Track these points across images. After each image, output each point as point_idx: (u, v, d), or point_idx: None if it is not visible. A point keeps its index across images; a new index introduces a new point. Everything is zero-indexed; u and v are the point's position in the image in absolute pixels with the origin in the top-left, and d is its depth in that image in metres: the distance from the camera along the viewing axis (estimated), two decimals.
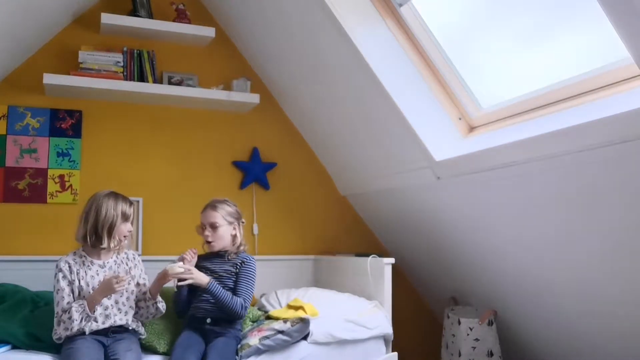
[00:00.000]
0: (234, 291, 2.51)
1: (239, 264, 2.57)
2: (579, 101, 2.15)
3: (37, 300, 2.60)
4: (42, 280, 2.66)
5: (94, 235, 2.35)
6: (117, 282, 2.23)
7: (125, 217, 2.40)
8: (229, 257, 2.59)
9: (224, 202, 2.64)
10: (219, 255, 2.60)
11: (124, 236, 2.42)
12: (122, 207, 2.41)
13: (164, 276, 2.42)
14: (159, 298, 2.49)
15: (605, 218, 2.10)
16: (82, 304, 2.25)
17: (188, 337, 2.41)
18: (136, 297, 2.44)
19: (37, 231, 3.05)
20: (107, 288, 2.24)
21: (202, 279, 2.44)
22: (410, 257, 3.53)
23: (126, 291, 2.40)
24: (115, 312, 2.35)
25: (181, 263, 2.46)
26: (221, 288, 2.46)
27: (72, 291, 2.31)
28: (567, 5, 2.19)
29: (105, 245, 2.35)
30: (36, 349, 2.30)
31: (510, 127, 2.45)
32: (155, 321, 2.55)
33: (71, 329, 2.23)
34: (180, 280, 2.43)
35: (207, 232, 2.56)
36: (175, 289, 2.52)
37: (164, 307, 2.52)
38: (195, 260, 2.52)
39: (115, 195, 2.42)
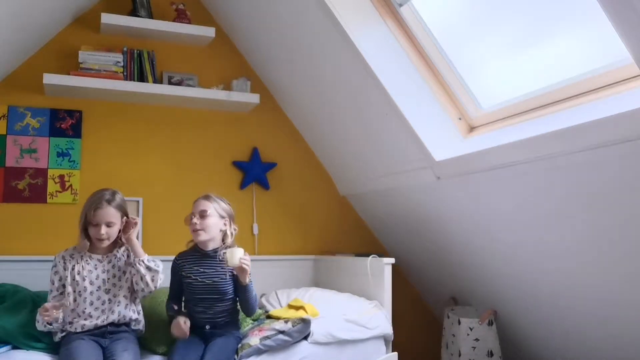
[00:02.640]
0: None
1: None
2: (579, 101, 2.15)
3: (37, 300, 2.59)
4: (42, 280, 2.64)
5: (80, 233, 2.39)
6: (44, 312, 2.19)
7: (88, 221, 2.34)
8: (221, 258, 2.46)
9: (219, 197, 2.57)
10: (209, 255, 2.49)
11: (96, 239, 2.35)
12: (87, 210, 2.35)
13: (126, 226, 2.38)
14: (146, 256, 2.39)
15: (605, 218, 2.10)
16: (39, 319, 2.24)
17: (186, 342, 2.36)
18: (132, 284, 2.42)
19: (37, 231, 3.05)
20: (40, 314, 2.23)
21: (247, 277, 2.39)
22: (410, 257, 3.53)
23: (126, 282, 2.41)
24: (113, 307, 2.35)
25: (242, 250, 2.36)
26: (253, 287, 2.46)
27: (64, 286, 2.34)
28: (567, 5, 2.19)
29: (82, 244, 2.36)
30: (36, 349, 2.30)
31: (510, 127, 2.45)
32: (155, 322, 2.54)
33: (42, 327, 2.27)
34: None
35: (195, 220, 2.45)
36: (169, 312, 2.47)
37: (157, 264, 2.40)
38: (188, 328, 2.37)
39: (92, 197, 2.39)
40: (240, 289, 2.44)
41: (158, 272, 2.40)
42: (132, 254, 2.40)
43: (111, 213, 2.35)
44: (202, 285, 2.45)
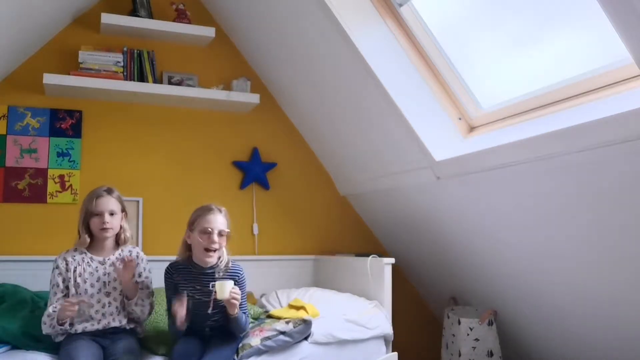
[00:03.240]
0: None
1: (235, 282, 2.33)
2: (579, 101, 2.15)
3: (37, 300, 2.60)
4: (42, 280, 2.65)
5: (79, 232, 2.37)
6: (69, 306, 2.18)
7: (89, 213, 2.34)
8: (218, 275, 2.35)
9: (225, 210, 2.43)
10: (206, 273, 2.37)
11: (99, 229, 2.34)
12: (87, 203, 2.36)
13: (124, 268, 2.30)
14: (138, 300, 2.35)
15: (605, 218, 2.10)
16: (52, 316, 2.20)
17: (187, 342, 2.34)
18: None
19: (37, 231, 3.05)
20: (62, 310, 2.20)
21: (235, 309, 2.27)
22: (410, 257, 3.53)
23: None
24: (113, 310, 2.34)
25: (232, 282, 2.24)
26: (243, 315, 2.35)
27: (67, 288, 2.32)
28: (567, 5, 2.19)
29: (82, 240, 2.35)
30: (36, 349, 2.29)
31: (510, 127, 2.45)
32: (155, 322, 2.54)
33: (50, 330, 2.23)
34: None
35: (216, 238, 2.29)
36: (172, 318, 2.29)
37: (144, 310, 2.37)
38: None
39: (90, 192, 2.39)
40: (229, 319, 2.32)
41: (144, 318, 2.39)
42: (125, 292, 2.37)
43: (112, 202, 2.38)
44: (198, 302, 2.35)
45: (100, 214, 2.34)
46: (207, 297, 2.34)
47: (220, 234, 2.33)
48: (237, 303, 2.27)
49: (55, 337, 2.30)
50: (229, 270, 2.39)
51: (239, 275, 2.41)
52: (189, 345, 2.34)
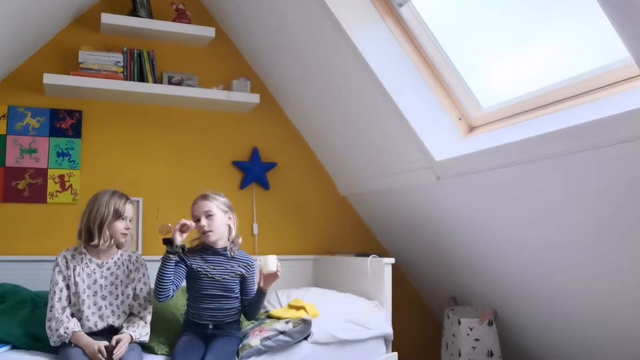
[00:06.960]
0: (247, 294, 2.52)
1: (248, 266, 2.53)
2: (579, 101, 2.15)
3: (37, 300, 2.60)
4: (42, 280, 2.65)
5: (87, 233, 2.34)
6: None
7: (117, 214, 2.34)
8: (232, 255, 2.51)
9: (216, 193, 2.55)
10: (218, 253, 2.50)
11: (122, 234, 2.36)
12: (116, 203, 2.35)
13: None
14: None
15: (605, 218, 2.10)
16: (66, 336, 2.19)
17: (187, 343, 2.36)
18: (130, 304, 2.40)
19: (37, 231, 3.05)
20: (89, 351, 2.17)
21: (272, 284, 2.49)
22: (410, 257, 3.53)
23: (122, 294, 2.37)
24: (109, 313, 2.33)
25: (275, 256, 2.45)
26: None
27: (68, 287, 2.30)
28: (567, 5, 2.20)
29: (95, 242, 2.31)
30: (36, 349, 2.29)
31: (510, 127, 2.45)
32: (157, 323, 2.53)
33: (53, 336, 2.22)
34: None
35: (204, 222, 2.44)
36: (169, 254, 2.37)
37: (143, 340, 2.35)
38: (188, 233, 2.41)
39: (112, 193, 2.38)
40: (258, 294, 2.49)
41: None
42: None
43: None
44: (211, 282, 2.45)
45: (126, 219, 2.39)
46: (219, 276, 2.46)
47: (207, 215, 2.47)
48: (279, 276, 2.45)
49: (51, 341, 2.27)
50: (240, 253, 2.55)
51: (251, 263, 2.56)
52: (191, 345, 2.35)
